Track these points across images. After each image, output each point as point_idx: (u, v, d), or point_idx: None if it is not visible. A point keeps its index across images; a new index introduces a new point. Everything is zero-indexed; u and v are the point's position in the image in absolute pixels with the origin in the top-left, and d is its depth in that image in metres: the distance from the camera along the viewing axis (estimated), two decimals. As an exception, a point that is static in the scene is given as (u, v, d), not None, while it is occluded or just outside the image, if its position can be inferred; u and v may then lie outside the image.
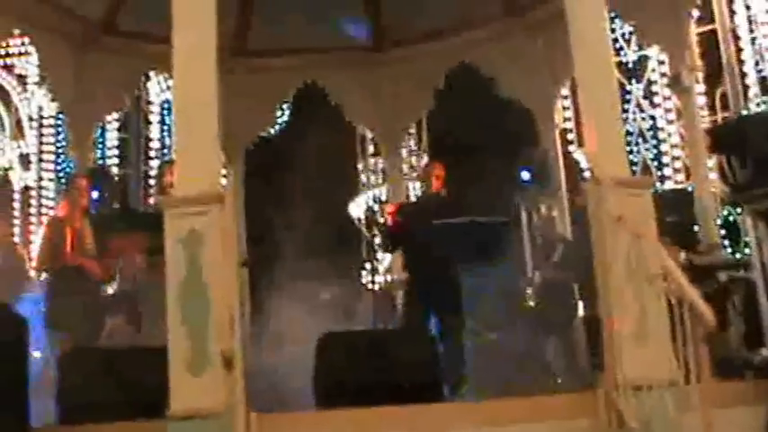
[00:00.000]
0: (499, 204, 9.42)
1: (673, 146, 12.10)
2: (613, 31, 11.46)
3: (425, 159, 14.99)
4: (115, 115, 13.54)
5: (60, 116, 13.74)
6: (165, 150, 14.53)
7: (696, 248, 8.43)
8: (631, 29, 11.21)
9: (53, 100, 11.44)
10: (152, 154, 14.86)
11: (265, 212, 9.89)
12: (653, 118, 12.46)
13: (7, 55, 14.38)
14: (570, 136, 12.70)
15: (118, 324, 7.98)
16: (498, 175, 10.68)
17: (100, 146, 14.30)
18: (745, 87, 11.13)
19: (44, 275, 8.20)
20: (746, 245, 8.57)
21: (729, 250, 9.50)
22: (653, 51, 12.03)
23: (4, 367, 4.89)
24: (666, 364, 5.14)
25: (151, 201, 13.36)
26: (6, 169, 14.84)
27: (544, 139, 10.35)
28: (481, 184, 10.38)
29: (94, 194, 8.98)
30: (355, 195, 15.68)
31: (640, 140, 12.49)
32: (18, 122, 15.00)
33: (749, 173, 6.52)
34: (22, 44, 13.33)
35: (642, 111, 12.58)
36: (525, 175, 10.40)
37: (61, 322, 7.42)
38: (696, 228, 8.86)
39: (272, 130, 12.96)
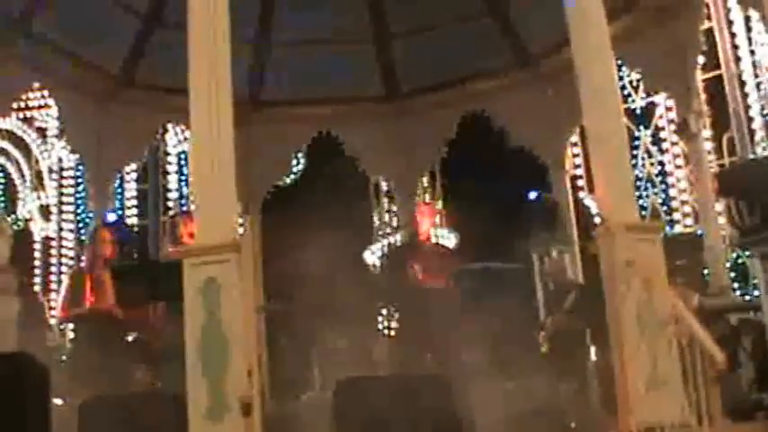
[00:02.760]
0: (511, 250, 9.50)
1: (681, 190, 12.12)
2: (621, 78, 11.55)
3: (439, 206, 15.06)
4: (134, 166, 13.69)
5: (80, 167, 13.87)
6: (183, 201, 14.63)
7: (706, 291, 8.46)
8: (638, 76, 11.32)
9: (72, 152, 11.56)
10: (170, 204, 14.96)
11: (281, 260, 9.96)
12: (661, 163, 12.50)
13: (27, 107, 14.51)
14: (580, 182, 12.77)
15: (138, 372, 8.03)
16: (509, 220, 10.77)
17: (119, 197, 14.42)
18: (752, 132, 11.17)
19: (66, 324, 8.27)
20: (755, 287, 8.62)
21: (738, 293, 9.51)
22: (660, 98, 12.13)
23: (27, 416, 4.96)
24: (678, 406, 5.17)
25: (168, 250, 13.43)
26: (27, 220, 14.97)
27: (555, 186, 10.47)
28: (493, 231, 10.47)
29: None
30: (370, 243, 15.73)
31: (649, 186, 12.54)
32: (38, 174, 15.14)
33: (757, 216, 6.60)
34: (42, 97, 13.45)
35: (650, 156, 12.63)
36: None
37: (83, 370, 7.45)
38: (706, 271, 8.90)
39: (288, 180, 13.09)
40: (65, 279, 8.47)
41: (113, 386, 7.31)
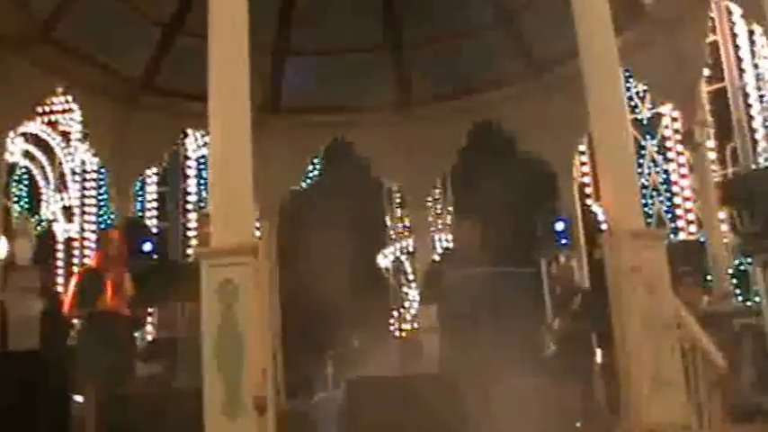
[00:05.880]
0: (520, 255, 9.60)
1: (685, 199, 12.26)
2: (628, 89, 11.66)
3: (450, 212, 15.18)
4: (154, 169, 13.84)
5: (102, 170, 14.02)
6: (202, 204, 14.77)
7: (709, 297, 8.58)
8: (645, 87, 11.44)
9: (95, 155, 11.68)
10: (189, 207, 15.14)
11: (297, 263, 10.07)
12: (666, 172, 12.63)
13: (51, 112, 14.74)
14: (588, 190, 12.90)
15: (155, 370, 8.16)
16: (519, 226, 10.86)
17: (140, 199, 14.59)
18: (755, 142, 11.30)
19: (78, 322, 8.34)
20: (756, 293, 8.73)
21: (740, 298, 9.62)
22: (666, 109, 12.24)
23: (48, 413, 5.13)
24: (681, 408, 5.30)
25: (189, 252, 13.60)
26: (50, 221, 15.16)
27: (563, 193, 10.64)
28: (503, 236, 10.59)
29: (147, 246, 9.20)
30: (383, 247, 15.84)
31: (654, 194, 12.68)
32: (61, 176, 15.32)
33: (758, 224, 6.72)
34: (66, 101, 13.64)
35: (656, 165, 12.77)
36: (559, 226, 10.58)
37: (95, 367, 7.53)
38: (708, 277, 9.02)
39: (303, 184, 13.22)
40: (73, 277, 8.52)
41: (123, 384, 7.39)
